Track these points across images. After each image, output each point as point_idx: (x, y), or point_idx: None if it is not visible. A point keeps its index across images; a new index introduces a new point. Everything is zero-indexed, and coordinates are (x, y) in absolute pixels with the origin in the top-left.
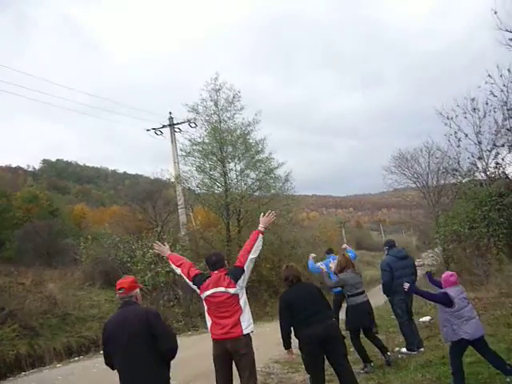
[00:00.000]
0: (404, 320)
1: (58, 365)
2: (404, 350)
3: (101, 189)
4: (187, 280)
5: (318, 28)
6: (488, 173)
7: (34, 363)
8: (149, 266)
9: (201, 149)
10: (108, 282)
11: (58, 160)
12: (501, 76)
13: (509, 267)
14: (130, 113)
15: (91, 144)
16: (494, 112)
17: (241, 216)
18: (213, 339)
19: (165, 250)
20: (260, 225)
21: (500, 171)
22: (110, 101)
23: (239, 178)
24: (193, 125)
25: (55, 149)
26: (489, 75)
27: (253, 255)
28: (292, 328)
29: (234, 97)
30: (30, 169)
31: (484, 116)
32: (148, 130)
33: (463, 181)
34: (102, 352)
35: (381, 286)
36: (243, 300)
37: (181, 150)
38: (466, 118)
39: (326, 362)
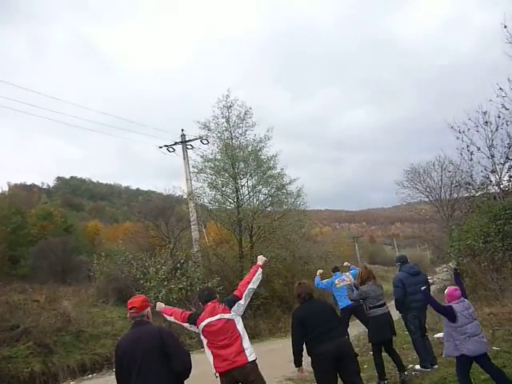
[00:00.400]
0: (417, 336)
1: (71, 382)
2: (418, 367)
3: (114, 205)
4: (183, 324)
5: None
6: (502, 186)
7: (47, 381)
8: (162, 282)
9: (213, 165)
10: (121, 298)
11: (72, 177)
12: None
13: None
14: (143, 130)
15: (105, 161)
16: (507, 125)
17: (253, 232)
18: (218, 373)
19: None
20: (258, 262)
21: None
22: (122, 118)
23: (251, 193)
24: (205, 141)
25: (69, 166)
26: (500, 88)
27: (252, 285)
28: (304, 345)
29: (245, 113)
30: (45, 186)
31: (496, 129)
32: (160, 147)
33: (476, 194)
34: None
35: (393, 301)
36: (241, 327)
37: (193, 166)
38: (478, 131)
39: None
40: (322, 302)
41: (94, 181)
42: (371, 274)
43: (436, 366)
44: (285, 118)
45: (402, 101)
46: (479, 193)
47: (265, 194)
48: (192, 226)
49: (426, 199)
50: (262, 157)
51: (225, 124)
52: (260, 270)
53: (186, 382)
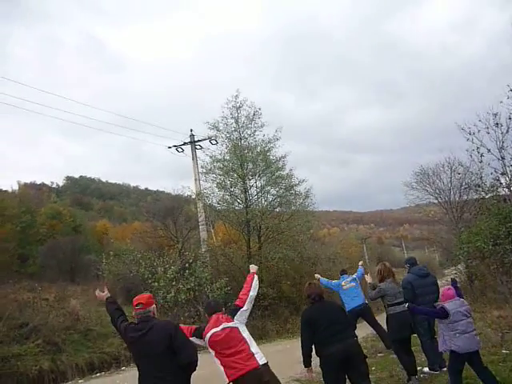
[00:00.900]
0: (426, 339)
1: (80, 381)
2: (426, 369)
3: (123, 205)
4: (189, 338)
5: (338, 44)
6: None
7: (56, 379)
8: (170, 282)
9: (222, 166)
10: (130, 298)
11: (81, 177)
12: None
13: None
14: (152, 130)
15: (114, 161)
16: None
17: (261, 232)
18: (230, 381)
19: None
20: (252, 270)
21: None
22: (132, 118)
23: (260, 194)
24: (213, 142)
25: (79, 166)
26: (511, 90)
27: (253, 292)
28: (313, 346)
29: (254, 114)
30: (54, 185)
31: (507, 131)
32: (169, 148)
33: (486, 196)
34: (123, 368)
35: None
36: (246, 334)
37: (202, 166)
38: (488, 133)
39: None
40: (332, 303)
41: (103, 180)
42: (391, 272)
43: (445, 369)
44: (293, 119)
45: (411, 102)
46: (489, 195)
47: (273, 195)
48: (200, 226)
49: (435, 201)
50: (271, 157)
51: (234, 124)
52: (256, 277)
53: (196, 382)
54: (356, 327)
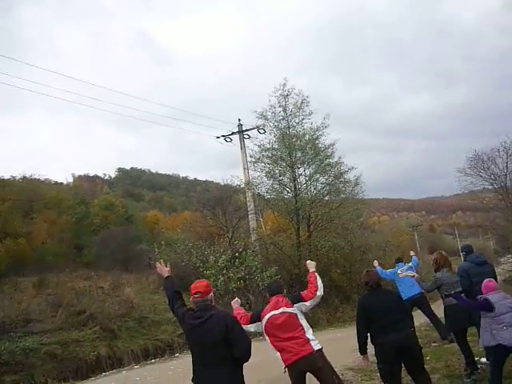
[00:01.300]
0: None
1: (135, 366)
2: (484, 359)
3: (173, 195)
4: (247, 326)
5: (384, 27)
6: None
7: (113, 364)
8: (221, 271)
9: (270, 155)
10: (181, 286)
11: (132, 168)
12: None
13: None
14: (201, 121)
15: (163, 152)
16: None
17: (311, 221)
18: (286, 366)
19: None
20: (311, 269)
21: None
22: (180, 110)
23: (309, 182)
24: (261, 131)
25: (129, 157)
26: None
27: (319, 293)
28: (369, 334)
29: (302, 102)
30: (107, 177)
31: None
32: (218, 138)
33: None
34: (177, 355)
35: None
36: (304, 321)
37: (250, 156)
38: None
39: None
40: (390, 292)
41: (154, 171)
42: (447, 261)
43: None
44: (340, 106)
45: (464, 85)
46: None
47: (322, 183)
48: (249, 216)
49: (490, 187)
50: (320, 145)
51: (282, 113)
52: (318, 276)
53: (248, 369)
54: (413, 317)
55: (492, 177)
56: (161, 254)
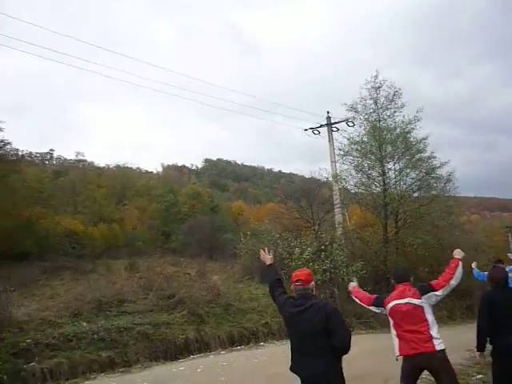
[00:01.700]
0: None
1: (222, 352)
2: None
3: (257, 187)
4: (369, 307)
5: (479, 17)
6: None
7: (200, 348)
8: (307, 263)
9: (359, 148)
10: None
11: (218, 159)
12: None
13: None
14: (287, 112)
15: (249, 144)
16: None
17: (399, 217)
18: (403, 356)
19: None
20: (457, 256)
21: None
22: (267, 101)
23: (398, 177)
24: (350, 124)
25: (216, 148)
26: None
27: (454, 281)
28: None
29: (394, 94)
30: (194, 167)
31: None
32: (306, 130)
33: None
34: (261, 344)
35: None
36: (430, 316)
37: (339, 149)
38: None
39: None
40: None
41: (239, 163)
42: None
43: None
44: (433, 99)
45: None
46: None
47: (413, 178)
48: (336, 209)
49: None
50: (411, 139)
51: (372, 106)
52: (461, 264)
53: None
54: None
55: None
56: (246, 244)
